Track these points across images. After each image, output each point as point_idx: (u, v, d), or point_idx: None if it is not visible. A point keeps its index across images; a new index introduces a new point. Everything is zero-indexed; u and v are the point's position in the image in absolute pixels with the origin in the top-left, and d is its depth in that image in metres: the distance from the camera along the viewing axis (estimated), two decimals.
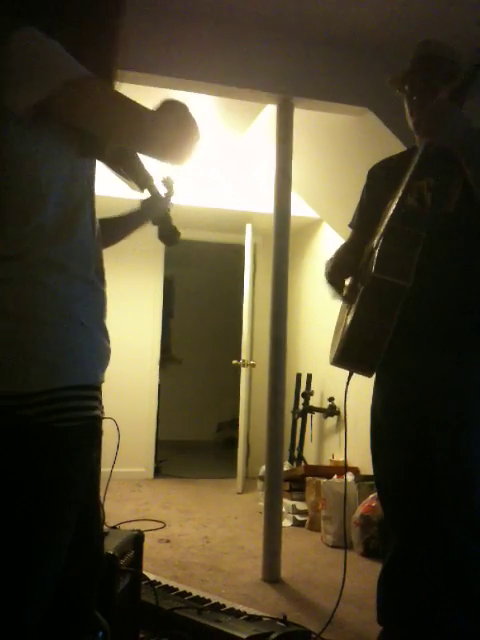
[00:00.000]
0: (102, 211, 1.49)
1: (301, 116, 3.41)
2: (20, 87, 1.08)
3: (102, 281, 1.23)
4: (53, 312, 1.11)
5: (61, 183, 1.15)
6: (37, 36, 1.10)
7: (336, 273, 2.15)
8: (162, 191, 1.57)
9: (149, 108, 1.20)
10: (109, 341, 1.22)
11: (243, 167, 4.93)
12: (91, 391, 1.16)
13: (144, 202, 1.56)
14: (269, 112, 3.72)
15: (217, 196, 5.03)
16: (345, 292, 2.13)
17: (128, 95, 1.18)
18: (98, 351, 1.18)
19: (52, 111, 1.10)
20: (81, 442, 1.15)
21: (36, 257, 1.12)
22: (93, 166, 1.24)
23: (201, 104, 3.78)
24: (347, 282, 2.16)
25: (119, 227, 1.57)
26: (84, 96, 1.13)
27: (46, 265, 1.12)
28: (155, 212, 1.54)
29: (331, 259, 2.23)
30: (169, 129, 1.17)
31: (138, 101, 1.18)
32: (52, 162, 1.15)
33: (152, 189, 1.51)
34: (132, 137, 1.20)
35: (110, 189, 2.78)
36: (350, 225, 2.30)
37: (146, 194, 1.53)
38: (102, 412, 1.23)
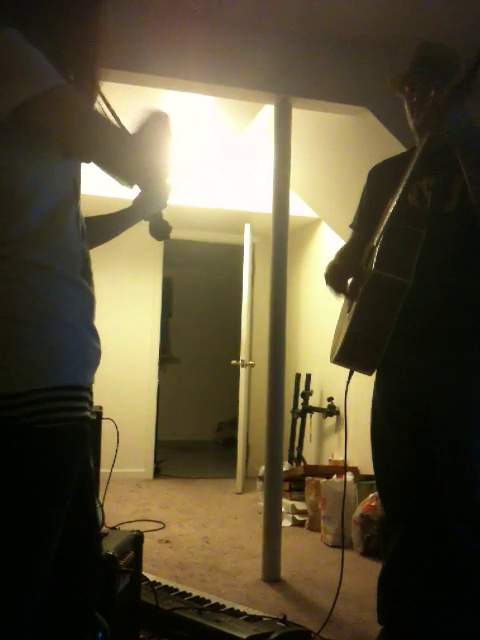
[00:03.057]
0: (96, 211, 1.49)
1: (299, 116, 3.41)
2: None
3: (89, 282, 1.22)
4: (37, 312, 1.10)
5: (46, 185, 1.15)
6: (16, 41, 1.09)
7: (334, 274, 2.15)
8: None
9: (121, 126, 1.19)
10: (99, 341, 1.20)
11: (242, 167, 4.93)
12: (78, 391, 1.15)
13: (136, 199, 1.55)
14: (267, 112, 3.72)
15: (216, 196, 5.03)
16: (347, 290, 2.13)
17: (127, 95, 1.17)
18: (85, 351, 1.17)
19: (25, 119, 1.09)
20: (67, 443, 1.14)
21: (21, 258, 1.11)
22: (78, 167, 1.23)
23: (199, 104, 3.78)
24: (349, 282, 2.16)
25: (112, 225, 1.56)
26: (57, 108, 1.11)
27: (31, 266, 1.11)
28: (147, 210, 1.53)
29: (331, 261, 2.23)
30: (137, 155, 1.17)
31: (135, 101, 1.18)
32: (37, 164, 1.14)
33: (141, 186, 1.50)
34: (98, 155, 1.18)
35: (104, 189, 2.79)
36: (351, 226, 2.31)
37: (136, 190, 1.52)
38: (92, 413, 1.21)
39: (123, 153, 1.16)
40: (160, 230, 1.53)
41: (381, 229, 1.97)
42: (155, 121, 1.21)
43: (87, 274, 1.22)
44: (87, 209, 1.29)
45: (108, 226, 1.55)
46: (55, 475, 1.14)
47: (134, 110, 1.24)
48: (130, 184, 1.29)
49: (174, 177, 1.31)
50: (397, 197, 1.97)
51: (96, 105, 1.27)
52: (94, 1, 1.24)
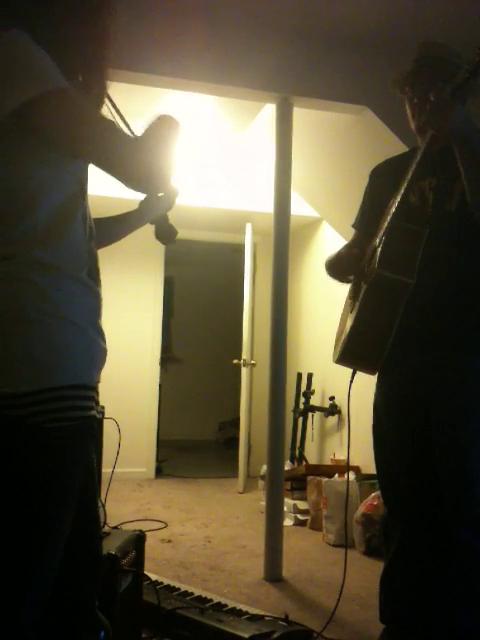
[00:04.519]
0: (101, 211, 1.49)
1: (300, 115, 3.41)
2: None
3: (97, 281, 1.23)
4: (44, 312, 1.10)
5: (53, 185, 1.15)
6: (22, 41, 1.09)
7: (336, 265, 2.15)
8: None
9: (125, 129, 1.18)
10: (105, 341, 1.21)
11: (243, 166, 4.93)
12: (84, 391, 1.15)
13: (142, 202, 1.55)
14: (268, 111, 3.72)
15: (217, 196, 5.03)
16: (349, 288, 2.13)
17: (127, 94, 1.17)
18: (91, 351, 1.17)
19: (27, 119, 1.09)
20: (73, 442, 1.14)
21: (28, 258, 1.11)
22: (85, 167, 1.23)
23: (200, 104, 3.78)
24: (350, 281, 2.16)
25: (117, 227, 1.56)
26: (59, 109, 1.11)
27: (37, 266, 1.12)
28: (153, 212, 1.54)
29: (334, 253, 2.23)
30: (142, 158, 1.15)
31: (137, 100, 1.17)
32: (44, 165, 1.14)
33: None
34: (101, 157, 1.17)
35: (108, 189, 2.78)
36: (353, 225, 2.31)
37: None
38: (99, 412, 1.21)
39: (126, 155, 1.16)
40: (166, 234, 1.53)
41: (383, 228, 1.97)
42: (162, 124, 1.21)
43: (94, 274, 1.22)
44: (93, 210, 1.29)
45: (114, 228, 1.55)
46: (62, 474, 1.14)
47: (135, 110, 1.24)
48: (134, 187, 1.29)
49: (176, 177, 1.31)
50: (399, 197, 1.96)
51: (104, 107, 1.27)
52: (101, 2, 1.24)
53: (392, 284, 1.89)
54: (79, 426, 1.14)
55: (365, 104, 3.30)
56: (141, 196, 1.53)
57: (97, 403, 1.22)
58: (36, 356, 1.09)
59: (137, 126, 1.23)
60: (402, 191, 1.96)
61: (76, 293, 1.16)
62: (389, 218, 1.96)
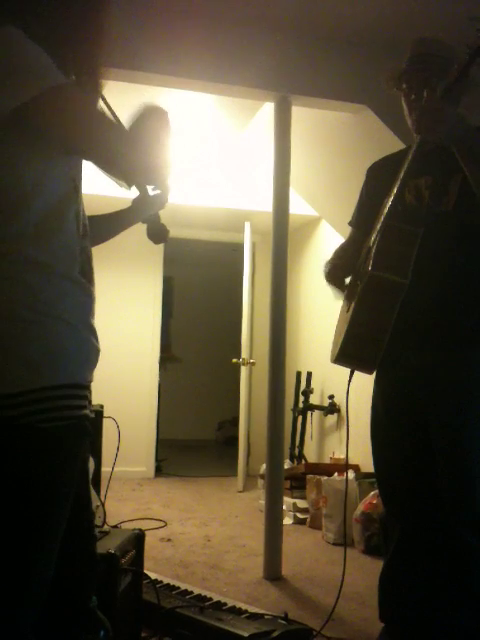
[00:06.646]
0: (93, 209, 1.49)
1: (299, 114, 3.41)
2: None
3: (90, 280, 1.22)
4: (36, 311, 1.10)
5: (46, 183, 1.14)
6: (16, 39, 1.09)
7: (335, 273, 2.16)
8: (151, 189, 1.56)
9: (122, 125, 1.18)
10: (97, 340, 1.20)
11: (242, 165, 4.93)
12: (77, 390, 1.15)
13: (135, 200, 1.55)
14: (267, 110, 3.72)
15: (216, 195, 5.03)
16: (345, 290, 2.14)
17: (125, 93, 1.17)
18: (84, 350, 1.17)
19: (26, 118, 1.09)
20: (68, 442, 1.14)
21: (20, 256, 1.11)
22: (79, 165, 1.23)
23: (199, 103, 3.78)
24: (347, 280, 2.16)
25: (110, 225, 1.56)
26: (58, 107, 1.11)
27: (30, 264, 1.11)
28: (146, 211, 1.54)
29: (330, 259, 2.24)
30: (139, 153, 1.16)
31: (134, 99, 1.17)
32: (37, 163, 1.14)
33: (140, 187, 1.51)
34: (100, 153, 1.18)
35: (101, 188, 2.79)
36: (350, 223, 2.31)
37: (135, 191, 1.52)
38: (91, 411, 1.21)
39: (123, 153, 1.16)
40: (158, 233, 1.53)
41: (378, 228, 1.97)
42: (155, 119, 1.20)
43: (87, 272, 1.22)
44: (88, 208, 1.29)
45: (106, 226, 1.55)
46: (56, 474, 1.14)
47: (133, 109, 1.23)
48: (128, 184, 1.29)
49: (173, 176, 1.31)
50: (393, 195, 1.96)
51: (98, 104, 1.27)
52: (97, 2, 1.24)
53: (387, 285, 1.89)
54: (73, 426, 1.14)
55: (364, 103, 3.30)
56: (133, 195, 1.53)
57: (90, 402, 1.22)
58: (29, 355, 1.09)
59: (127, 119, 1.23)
60: (397, 189, 1.96)
61: (69, 292, 1.15)
62: (383, 217, 1.96)
